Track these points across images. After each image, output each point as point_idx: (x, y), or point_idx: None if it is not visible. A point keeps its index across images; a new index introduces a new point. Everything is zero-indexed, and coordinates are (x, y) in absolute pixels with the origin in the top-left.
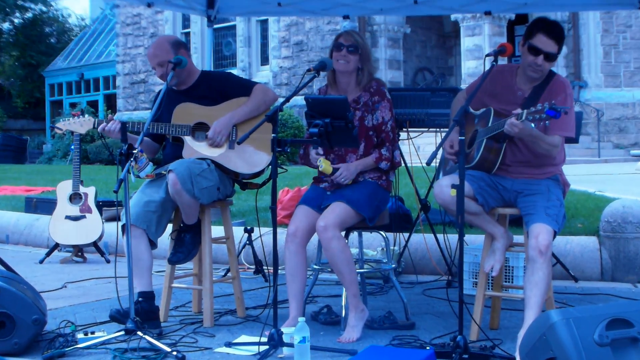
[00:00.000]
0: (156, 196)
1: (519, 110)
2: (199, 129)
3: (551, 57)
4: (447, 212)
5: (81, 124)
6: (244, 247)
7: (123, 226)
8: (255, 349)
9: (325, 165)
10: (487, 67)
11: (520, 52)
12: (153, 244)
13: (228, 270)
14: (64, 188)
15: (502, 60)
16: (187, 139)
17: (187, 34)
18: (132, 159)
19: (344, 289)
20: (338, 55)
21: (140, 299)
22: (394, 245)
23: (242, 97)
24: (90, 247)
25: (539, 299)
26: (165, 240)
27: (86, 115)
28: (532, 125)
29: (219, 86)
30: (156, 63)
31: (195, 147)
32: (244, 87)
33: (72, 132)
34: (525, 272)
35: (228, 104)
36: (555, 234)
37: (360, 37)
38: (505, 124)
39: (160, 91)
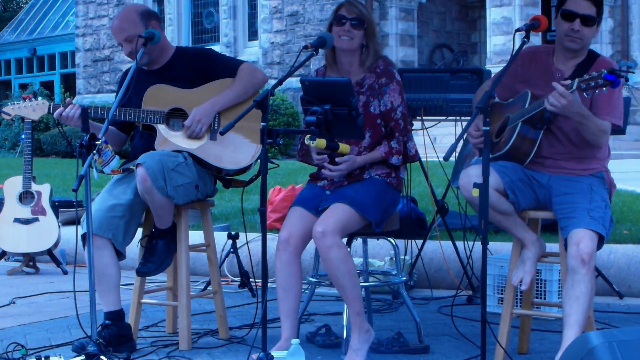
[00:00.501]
0: (123, 198)
1: (568, 81)
2: (175, 116)
3: (590, 21)
4: (474, 208)
5: (34, 109)
6: (227, 255)
7: (84, 235)
8: None
9: (317, 141)
10: (518, 45)
11: (555, 26)
12: (120, 255)
13: (208, 284)
14: (13, 185)
15: (535, 36)
16: (161, 128)
17: (161, 3)
18: (94, 152)
19: (346, 306)
20: (340, 30)
21: (107, 321)
22: (405, 255)
23: (226, 79)
24: (44, 255)
25: (580, 316)
26: (134, 247)
27: (39, 99)
28: (586, 94)
29: (198, 65)
30: (123, 38)
31: (170, 138)
32: (228, 66)
33: (22, 119)
34: (564, 285)
35: (209, 87)
36: (602, 241)
37: (365, 8)
38: (550, 96)
39: (128, 71)
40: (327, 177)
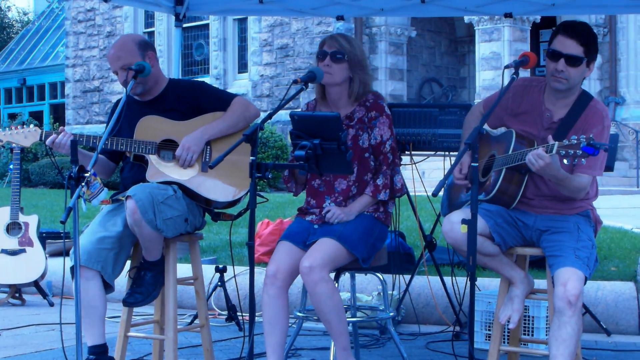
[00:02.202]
0: (113, 230)
1: (550, 141)
2: (166, 148)
3: (575, 61)
4: (459, 253)
5: (25, 136)
6: (214, 289)
7: (72, 268)
8: None
9: None
10: (507, 81)
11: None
12: (109, 287)
13: (195, 317)
14: (0, 216)
15: (524, 73)
16: (152, 158)
17: (151, 34)
18: (83, 184)
19: (332, 341)
20: (321, 64)
21: (91, 356)
22: (393, 290)
23: (218, 112)
24: (31, 287)
25: (567, 358)
26: (120, 279)
27: (31, 125)
28: (565, 161)
29: (191, 98)
30: (119, 66)
31: (162, 169)
32: (221, 100)
33: (11, 150)
34: (551, 326)
35: (201, 119)
36: (585, 280)
37: (348, 41)
38: (529, 154)
39: (119, 101)
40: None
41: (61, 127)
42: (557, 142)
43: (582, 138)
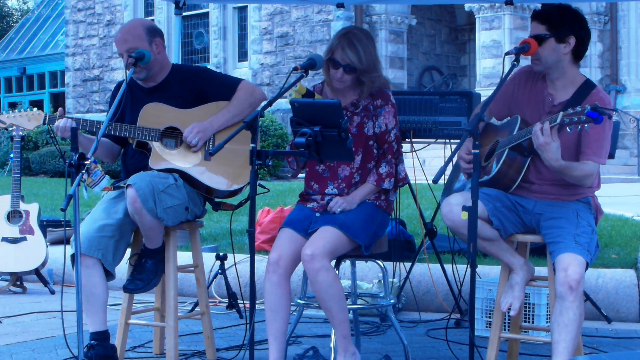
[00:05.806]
0: (114, 217)
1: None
2: (169, 135)
3: (538, 40)
4: (458, 236)
5: (29, 119)
6: (215, 276)
7: (72, 255)
8: None
9: (298, 87)
10: (507, 68)
11: None
12: (110, 275)
13: (196, 305)
14: (1, 204)
15: (525, 60)
16: (155, 145)
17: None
18: (83, 171)
19: (333, 329)
20: (334, 73)
21: (93, 342)
22: (393, 277)
23: (222, 102)
24: (32, 275)
25: (569, 344)
26: (121, 267)
27: (35, 109)
28: (569, 129)
29: (194, 84)
30: (124, 50)
31: (165, 156)
32: (226, 85)
33: (11, 138)
34: (552, 312)
35: (206, 108)
36: (587, 266)
37: (362, 50)
38: (537, 125)
39: (120, 83)
40: (318, 200)
41: (60, 109)
42: (561, 112)
43: (587, 105)
